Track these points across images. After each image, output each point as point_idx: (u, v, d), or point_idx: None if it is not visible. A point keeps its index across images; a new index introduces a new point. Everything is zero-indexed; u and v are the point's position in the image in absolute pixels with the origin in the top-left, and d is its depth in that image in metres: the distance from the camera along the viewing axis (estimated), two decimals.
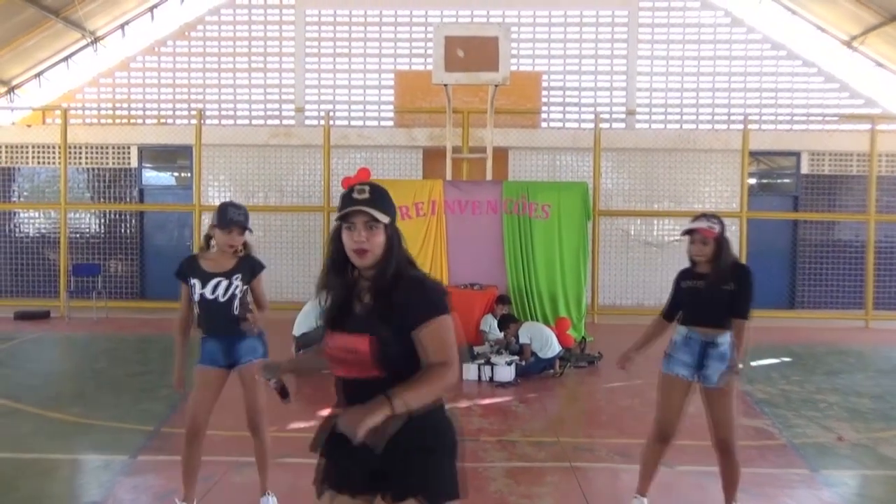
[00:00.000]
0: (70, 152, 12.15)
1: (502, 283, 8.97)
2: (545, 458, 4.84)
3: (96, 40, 14.16)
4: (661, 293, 3.92)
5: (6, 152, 13.24)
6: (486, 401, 6.45)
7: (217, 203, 12.65)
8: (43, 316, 11.11)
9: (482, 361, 7.23)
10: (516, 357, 7.30)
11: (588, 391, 7.00)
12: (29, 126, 13.58)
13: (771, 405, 6.29)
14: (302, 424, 5.37)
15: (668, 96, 13.78)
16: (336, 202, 10.44)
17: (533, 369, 7.28)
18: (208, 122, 12.70)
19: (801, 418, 5.87)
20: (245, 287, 3.69)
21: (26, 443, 4.98)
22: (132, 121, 13.70)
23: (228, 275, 3.65)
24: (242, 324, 3.63)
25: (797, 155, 13.00)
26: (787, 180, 13.43)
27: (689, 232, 3.65)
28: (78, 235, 13.00)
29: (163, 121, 13.58)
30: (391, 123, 13.63)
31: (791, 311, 12.45)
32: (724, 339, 3.60)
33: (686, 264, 3.80)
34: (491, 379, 7.09)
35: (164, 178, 13.80)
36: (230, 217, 3.59)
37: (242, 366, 3.69)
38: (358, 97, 13.94)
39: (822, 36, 13.91)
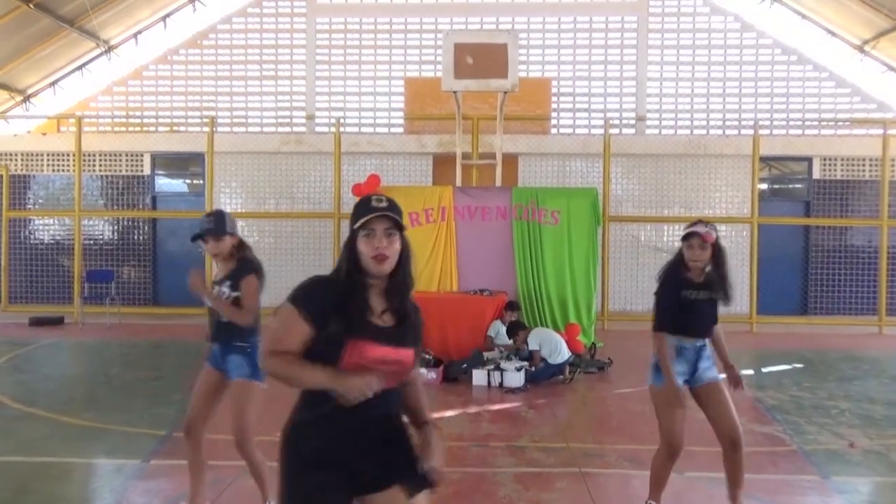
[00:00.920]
0: (84, 160, 12.29)
1: (512, 289, 8.98)
2: (554, 463, 4.84)
3: (110, 49, 14.33)
4: None
5: (22, 160, 13.41)
6: (496, 406, 6.46)
7: (230, 210, 12.68)
8: (57, 322, 11.23)
9: (492, 367, 7.24)
10: (526, 363, 7.31)
11: (598, 397, 7.00)
12: (44, 134, 13.77)
13: (782, 411, 6.26)
14: None
15: (678, 102, 13.77)
16: (346, 209, 10.47)
17: (542, 375, 7.27)
18: (220, 129, 12.80)
19: (813, 425, 5.83)
20: (236, 293, 3.61)
21: (41, 446, 5.04)
22: (145, 128, 13.85)
23: (221, 282, 3.66)
24: (191, 278, 3.59)
25: (809, 160, 12.94)
26: (798, 185, 13.37)
27: (688, 236, 3.60)
28: (92, 242, 13.14)
29: (175, 128, 13.72)
30: (401, 130, 13.70)
31: (803, 317, 12.36)
32: (707, 340, 3.72)
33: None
34: (501, 384, 7.10)
35: (176, 185, 13.93)
36: (199, 228, 3.66)
37: (235, 381, 3.63)
38: (368, 104, 14.02)
39: (833, 40, 13.85)
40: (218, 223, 3.62)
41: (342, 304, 2.06)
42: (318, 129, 13.76)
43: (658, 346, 3.62)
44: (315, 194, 13.05)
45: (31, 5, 11.70)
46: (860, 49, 13.56)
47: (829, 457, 5.02)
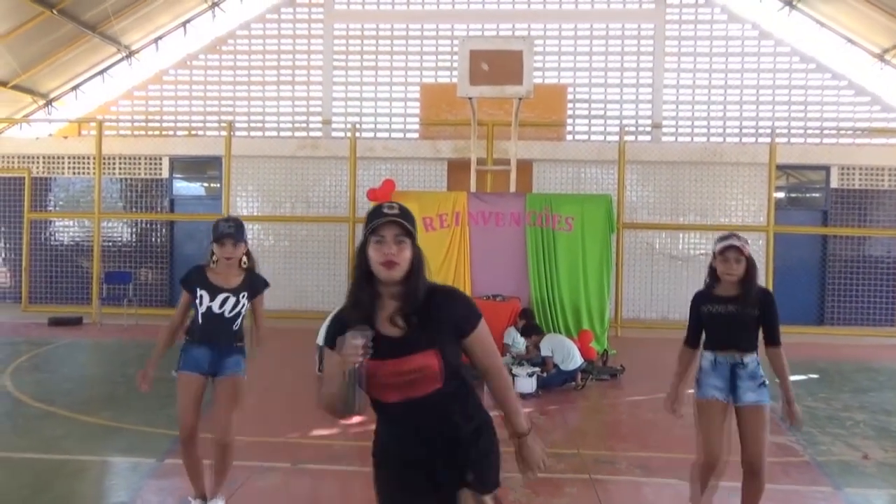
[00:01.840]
0: (104, 163, 12.47)
1: (525, 295, 8.99)
2: (565, 469, 4.85)
3: (131, 54, 14.56)
4: (685, 307, 3.87)
5: (43, 163, 13.64)
6: None
7: (246, 213, 12.81)
8: (76, 322, 11.39)
9: None
10: (538, 369, 7.31)
11: (610, 404, 6.99)
12: (65, 137, 13.99)
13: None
14: (324, 431, 5.46)
15: (694, 109, 13.73)
16: (361, 213, 10.53)
17: (554, 381, 7.28)
18: (237, 133, 12.95)
19: (827, 436, 5.79)
20: (249, 304, 3.79)
21: (59, 445, 5.13)
22: (164, 132, 14.04)
23: (236, 292, 3.76)
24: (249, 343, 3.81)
25: (826, 169, 12.84)
26: (816, 194, 13.26)
27: (725, 249, 3.52)
28: (110, 244, 13.33)
29: (193, 133, 13.90)
30: (416, 135, 13.77)
31: (820, 328, 12.24)
32: (751, 357, 3.58)
33: (699, 282, 3.76)
34: None
35: (193, 188, 14.09)
36: (221, 230, 3.69)
37: (224, 377, 3.77)
38: (384, 109, 14.11)
39: (852, 49, 13.76)
40: (239, 230, 3.74)
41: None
42: (333, 134, 13.88)
43: (678, 357, 3.77)
44: (330, 198, 13.15)
45: (55, 11, 11.93)
46: (880, 58, 13.44)
47: (843, 468, 4.99)
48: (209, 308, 3.72)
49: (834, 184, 12.82)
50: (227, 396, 3.76)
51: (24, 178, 12.94)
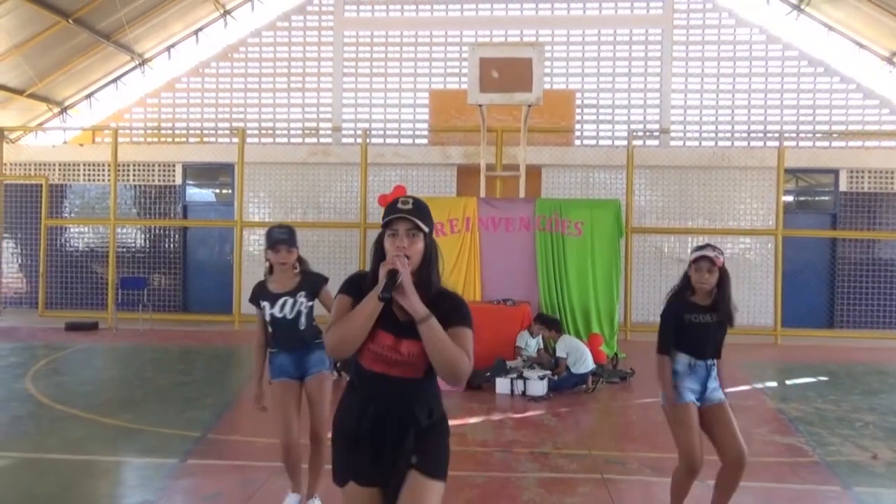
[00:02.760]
0: (118, 170, 12.65)
1: (535, 300, 9.08)
2: (577, 469, 4.94)
3: (144, 62, 14.77)
4: None
5: (59, 170, 13.84)
6: (519, 414, 6.56)
7: (257, 219, 12.98)
8: (91, 327, 11.56)
9: (515, 376, 7.35)
10: (549, 372, 7.40)
11: (620, 406, 7.07)
12: (81, 145, 14.19)
13: (805, 423, 6.27)
14: None
15: (702, 113, 13.79)
16: (371, 219, 10.64)
17: (565, 384, 7.37)
18: (249, 140, 13.10)
19: (836, 436, 5.85)
20: (311, 303, 3.92)
21: (82, 446, 5.26)
22: (177, 139, 14.22)
23: (293, 293, 3.91)
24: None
25: (835, 172, 12.87)
26: (825, 198, 13.28)
27: (697, 259, 3.67)
28: (125, 250, 13.51)
29: (206, 139, 14.07)
30: (426, 141, 13.88)
31: (830, 331, 12.25)
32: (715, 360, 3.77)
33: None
34: (523, 393, 7.20)
35: (206, 194, 14.27)
36: (274, 238, 3.91)
37: (311, 377, 3.93)
38: (393, 116, 14.25)
39: (861, 52, 13.79)
40: (291, 236, 3.93)
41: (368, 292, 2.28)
42: (344, 140, 14.02)
43: (658, 368, 3.79)
44: (341, 204, 13.28)
45: (71, 21, 12.14)
46: (889, 61, 13.48)
47: (852, 468, 5.05)
48: (272, 315, 3.88)
49: (843, 187, 12.85)
50: (315, 393, 3.92)
51: (40, 185, 13.14)
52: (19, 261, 13.87)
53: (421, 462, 2.26)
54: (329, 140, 14.05)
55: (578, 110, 13.67)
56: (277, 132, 14.35)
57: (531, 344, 7.95)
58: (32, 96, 13.71)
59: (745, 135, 13.61)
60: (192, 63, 14.70)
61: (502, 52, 9.55)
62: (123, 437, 5.53)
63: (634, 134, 12.14)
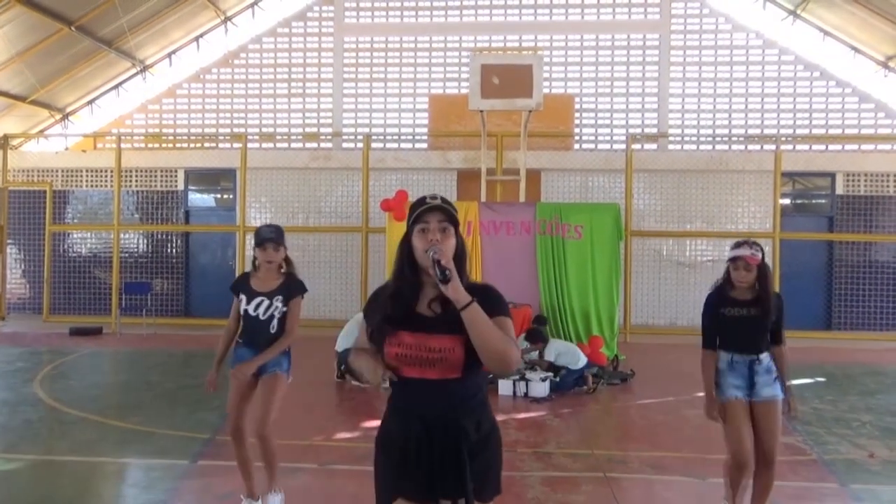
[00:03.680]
0: (121, 175, 12.74)
1: (536, 303, 9.17)
2: (580, 468, 5.04)
3: (145, 69, 14.88)
4: (693, 313, 4.07)
5: (62, 176, 13.93)
6: (522, 415, 6.66)
7: (259, 224, 13.07)
8: (96, 332, 11.64)
9: (517, 377, 7.45)
10: (551, 373, 7.52)
11: (621, 407, 7.17)
12: (84, 151, 14.28)
13: (803, 423, 6.35)
14: (347, 435, 5.67)
15: (700, 118, 13.93)
16: (373, 224, 10.67)
17: (567, 383, 7.49)
18: (250, 146, 13.20)
19: (833, 436, 5.96)
20: (285, 308, 3.98)
21: (95, 448, 5.35)
22: (178, 145, 14.32)
23: (271, 295, 3.97)
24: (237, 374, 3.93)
25: (832, 175, 13.00)
26: (822, 201, 13.41)
27: (733, 259, 3.72)
28: (127, 255, 13.59)
29: (207, 145, 14.18)
30: (426, 146, 14.00)
31: (827, 333, 12.36)
32: (765, 353, 3.76)
33: (706, 289, 3.92)
34: (525, 394, 7.31)
35: (208, 199, 14.36)
36: (262, 235, 3.97)
37: (267, 375, 3.98)
38: (394, 121, 14.37)
39: (856, 57, 13.94)
40: (278, 234, 3.99)
41: (387, 301, 2.21)
42: (344, 145, 14.13)
43: (702, 365, 3.84)
44: (342, 209, 13.38)
45: (73, 28, 12.25)
46: (884, 65, 13.63)
47: (849, 466, 5.16)
48: (246, 311, 3.96)
49: (839, 190, 12.98)
50: (265, 392, 3.97)
51: (43, 191, 13.22)
52: (23, 267, 13.95)
53: (476, 490, 2.13)
54: (329, 145, 14.15)
55: (577, 115, 13.81)
56: (278, 137, 14.46)
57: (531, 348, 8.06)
58: (35, 103, 13.83)
59: (742, 139, 13.74)
60: (194, 69, 14.81)
61: (503, 60, 9.74)
62: (134, 440, 5.62)
63: (633, 138, 12.27)
